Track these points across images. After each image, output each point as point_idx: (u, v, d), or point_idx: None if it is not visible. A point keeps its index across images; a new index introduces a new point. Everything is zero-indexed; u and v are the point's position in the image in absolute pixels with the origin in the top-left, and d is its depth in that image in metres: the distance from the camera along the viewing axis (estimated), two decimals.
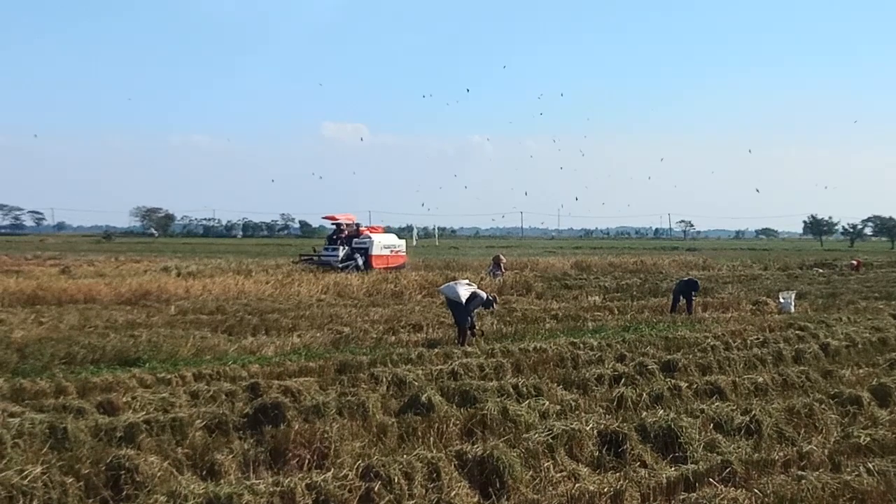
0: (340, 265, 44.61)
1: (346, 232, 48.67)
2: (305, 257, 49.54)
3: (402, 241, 51.15)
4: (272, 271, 40.69)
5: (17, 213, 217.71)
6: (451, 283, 20.42)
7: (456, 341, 19.24)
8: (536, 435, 10.01)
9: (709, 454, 10.08)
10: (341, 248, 47.06)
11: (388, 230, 56.07)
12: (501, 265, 39.55)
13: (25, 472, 8.23)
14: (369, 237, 47.79)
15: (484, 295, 20.17)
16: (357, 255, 46.29)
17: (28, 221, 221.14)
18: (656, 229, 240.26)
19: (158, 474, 8.73)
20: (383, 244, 48.23)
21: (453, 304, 19.63)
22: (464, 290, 19.43)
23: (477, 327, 20.11)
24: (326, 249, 48.53)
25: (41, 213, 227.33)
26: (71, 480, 8.42)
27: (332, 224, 51.32)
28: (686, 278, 27.92)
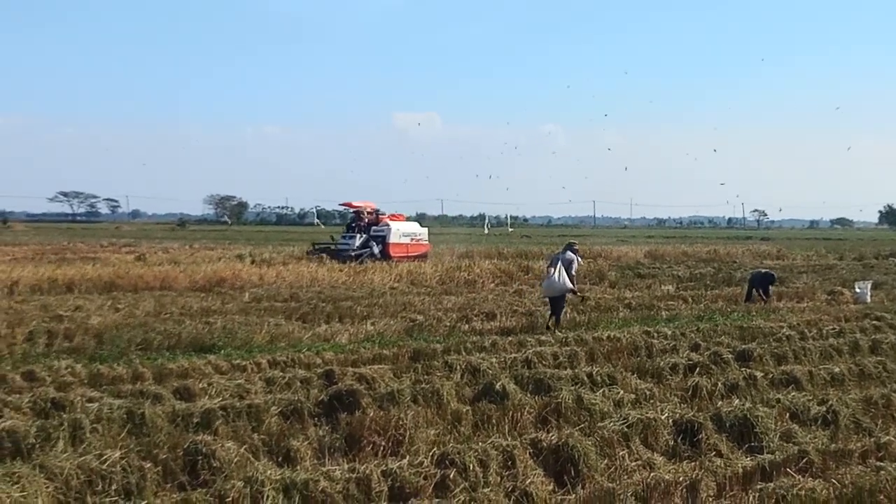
0: (354, 253, 43.47)
1: (367, 220, 47.42)
2: (321, 246, 46.82)
3: (425, 230, 49.77)
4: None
5: (93, 200, 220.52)
6: (547, 279, 20.40)
7: (550, 323, 19.70)
8: (611, 423, 10.00)
9: (785, 444, 9.99)
10: (358, 236, 45.95)
11: (409, 218, 55.93)
12: (577, 256, 39.13)
13: (104, 457, 8.40)
14: (387, 225, 46.73)
15: (572, 255, 20.59)
16: (373, 243, 45.30)
17: (103, 209, 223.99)
18: (729, 219, 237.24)
19: (235, 460, 8.84)
20: (402, 232, 47.11)
21: (553, 297, 19.99)
22: (563, 279, 19.75)
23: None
24: (344, 238, 47.30)
25: (116, 201, 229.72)
26: (149, 465, 8.58)
27: (351, 211, 50.57)
28: (763, 271, 27.55)
